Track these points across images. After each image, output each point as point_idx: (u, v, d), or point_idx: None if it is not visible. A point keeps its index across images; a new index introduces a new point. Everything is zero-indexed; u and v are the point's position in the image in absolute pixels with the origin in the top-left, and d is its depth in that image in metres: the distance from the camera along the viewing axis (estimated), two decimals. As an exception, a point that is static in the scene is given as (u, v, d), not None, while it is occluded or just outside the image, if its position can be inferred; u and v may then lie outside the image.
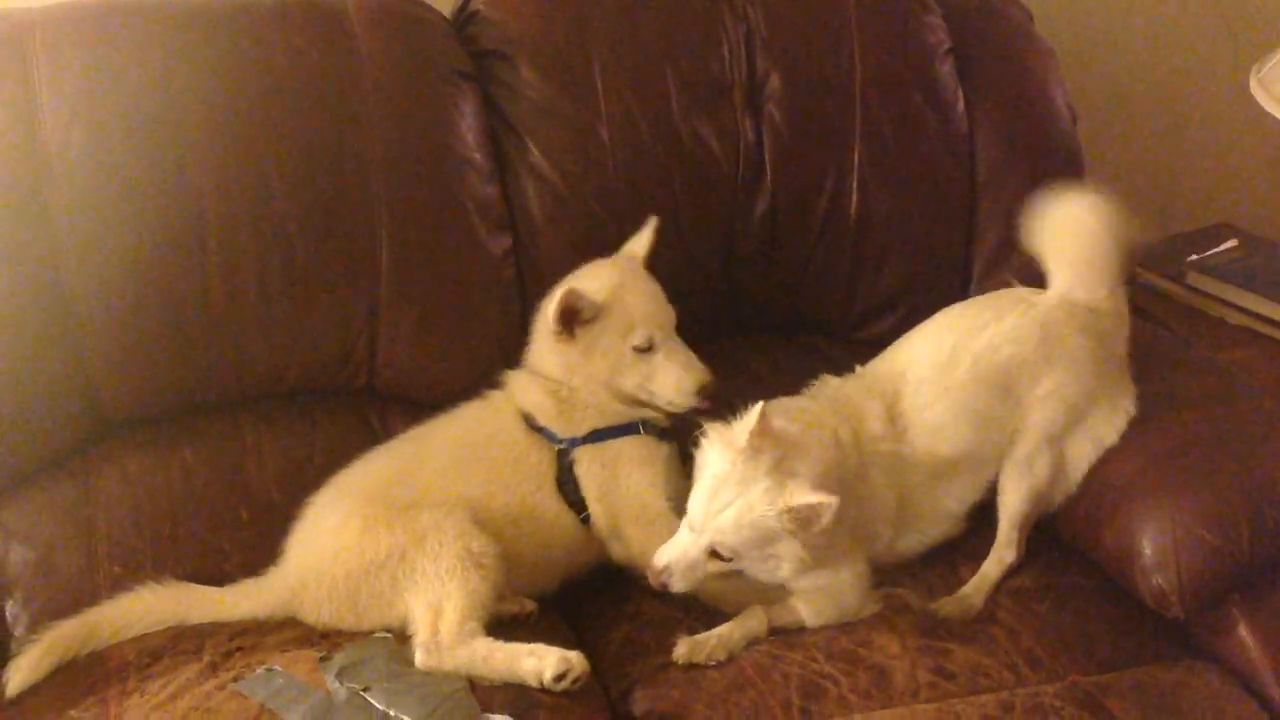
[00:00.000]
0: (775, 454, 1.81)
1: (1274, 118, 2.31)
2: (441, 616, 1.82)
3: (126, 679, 1.81)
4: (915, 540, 2.03)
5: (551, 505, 1.98)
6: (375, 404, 2.15)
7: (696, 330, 2.24)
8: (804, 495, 1.79)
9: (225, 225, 2.02)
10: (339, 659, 1.79)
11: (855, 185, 2.28)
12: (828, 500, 1.78)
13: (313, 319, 2.08)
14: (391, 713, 1.71)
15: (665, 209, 2.20)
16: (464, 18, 2.24)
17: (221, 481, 2.04)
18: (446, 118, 2.14)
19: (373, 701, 1.73)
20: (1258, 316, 2.47)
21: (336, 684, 1.75)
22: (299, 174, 2.04)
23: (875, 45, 2.26)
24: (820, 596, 1.94)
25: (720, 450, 1.82)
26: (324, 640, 1.84)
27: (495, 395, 2.06)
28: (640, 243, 2.07)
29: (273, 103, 2.04)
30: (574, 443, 1.99)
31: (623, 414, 2.01)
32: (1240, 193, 2.80)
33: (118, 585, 1.93)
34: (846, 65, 2.26)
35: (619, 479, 1.98)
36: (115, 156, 1.98)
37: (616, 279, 1.99)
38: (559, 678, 1.77)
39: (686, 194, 2.23)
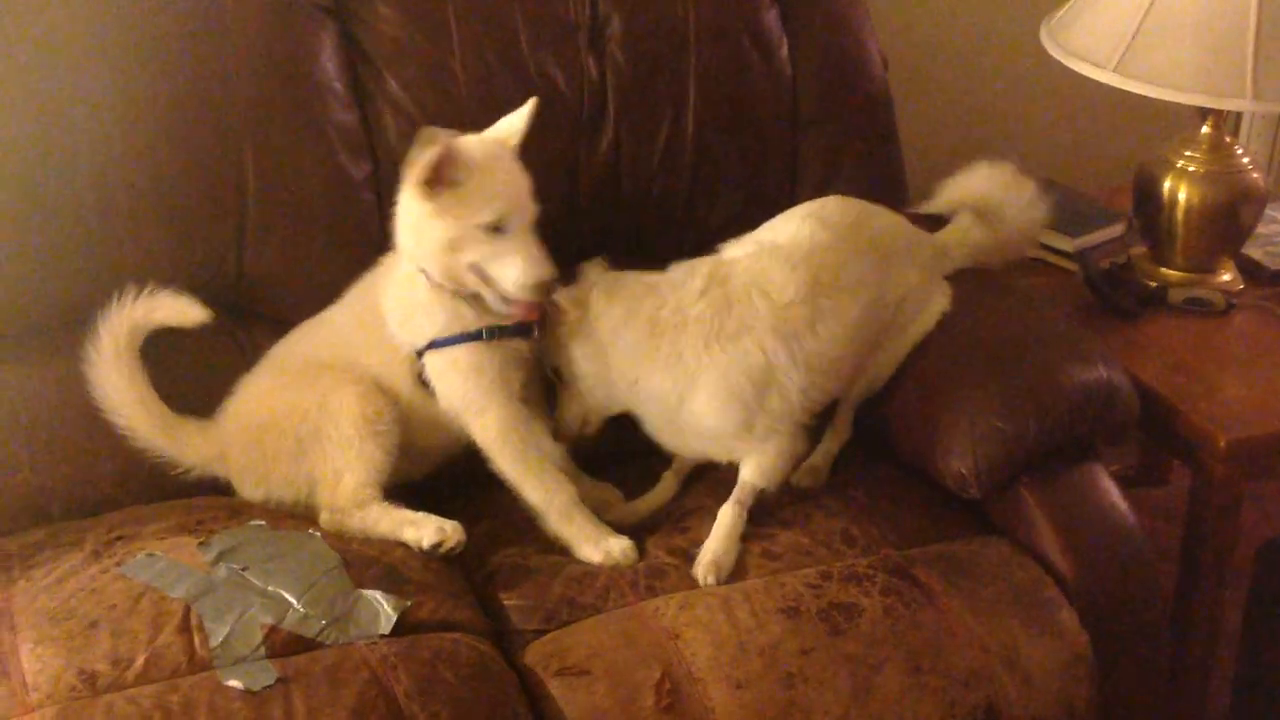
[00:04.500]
0: None
1: (1062, 68, 2.58)
2: (341, 482, 2.00)
3: (11, 568, 1.91)
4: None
5: (416, 397, 2.10)
6: (241, 320, 2.25)
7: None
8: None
9: (97, 144, 2.11)
10: (217, 544, 1.91)
11: (691, 123, 2.45)
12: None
13: (182, 237, 2.19)
14: (270, 588, 1.85)
15: (514, 142, 2.37)
16: (323, -45, 2.36)
17: (96, 392, 2.14)
18: (308, 48, 2.25)
19: (252, 579, 1.86)
20: (1050, 249, 2.74)
21: (216, 565, 1.88)
22: (168, 97, 2.15)
23: (707, -8, 2.45)
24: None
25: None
26: (200, 528, 1.96)
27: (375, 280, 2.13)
28: (514, 125, 2.07)
29: (144, 30, 2.14)
30: (418, 351, 2.08)
31: (466, 319, 2.05)
32: (1036, 140, 3.08)
33: (-5, 488, 2.03)
34: (681, 10, 2.43)
35: (454, 382, 2.06)
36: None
37: (491, 151, 2.03)
38: (435, 546, 1.97)
39: (534, 128, 2.33)
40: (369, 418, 2.02)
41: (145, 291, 2.06)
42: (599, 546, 2.05)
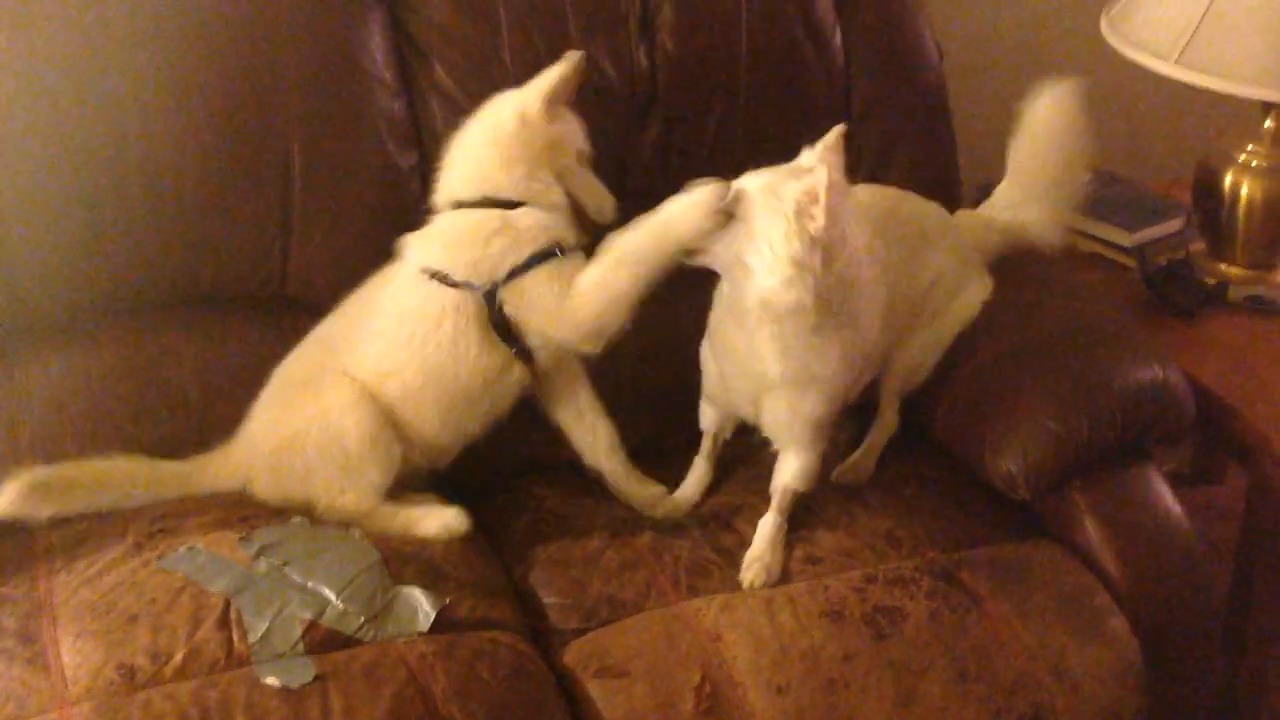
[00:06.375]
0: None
1: (1123, 58, 2.52)
2: (342, 498, 2.00)
3: (54, 559, 1.92)
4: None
5: (474, 354, 2.03)
6: (286, 310, 2.24)
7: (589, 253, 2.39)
8: (823, 182, 1.88)
9: (144, 131, 2.11)
10: (258, 539, 1.91)
11: (741, 112, 2.42)
12: (829, 200, 1.86)
13: (228, 226, 2.18)
14: (309, 584, 1.85)
15: (563, 131, 2.34)
16: (373, -59, 2.34)
17: (140, 379, 2.13)
18: (356, 37, 2.24)
19: (291, 575, 1.85)
20: (1105, 243, 2.69)
21: (257, 560, 1.87)
22: (216, 85, 2.14)
23: (760, -21, 2.41)
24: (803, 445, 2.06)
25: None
26: (242, 523, 1.96)
27: (398, 270, 2.08)
28: (552, 81, 2.09)
29: (192, 17, 2.13)
30: (495, 285, 2.01)
31: (539, 238, 2.03)
32: (1095, 131, 3.00)
33: (41, 475, 2.02)
34: (733, -1, 2.41)
35: (544, 297, 2.01)
36: (38, 63, 2.06)
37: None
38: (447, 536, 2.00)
39: (583, 117, 2.33)
40: (372, 438, 2.00)
41: None
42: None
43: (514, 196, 2.06)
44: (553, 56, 2.32)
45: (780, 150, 2.43)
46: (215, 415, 2.11)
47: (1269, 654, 2.38)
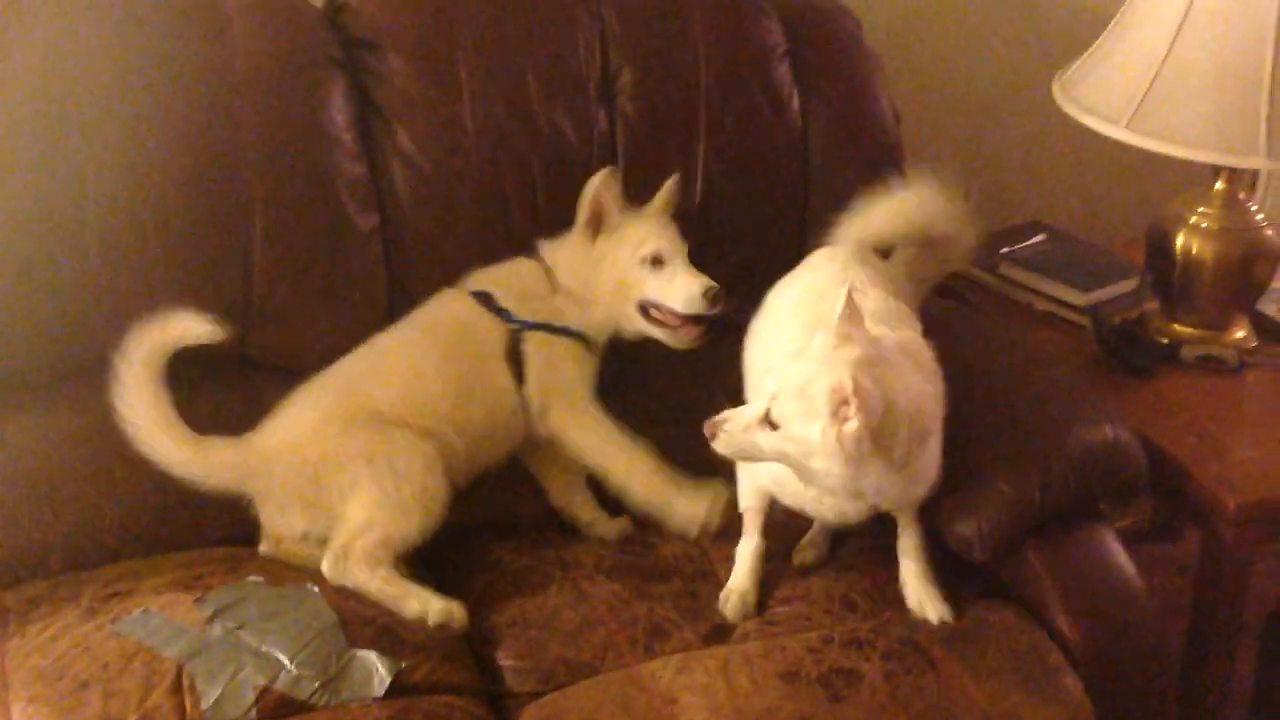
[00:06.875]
0: (865, 346, 1.84)
1: (1075, 122, 2.57)
2: (368, 533, 2.00)
3: (7, 624, 1.91)
4: None
5: (497, 373, 2.20)
6: (247, 370, 2.25)
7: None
8: (848, 375, 1.76)
9: (104, 196, 2.12)
10: (213, 601, 1.91)
11: (700, 175, 2.45)
12: (859, 396, 1.73)
13: (189, 288, 2.17)
14: (264, 648, 1.84)
15: (524, 193, 2.36)
16: (334, 8, 2.36)
17: (99, 442, 2.11)
18: (317, 101, 2.26)
19: (246, 638, 1.85)
20: (1060, 302, 2.72)
21: (211, 623, 1.87)
22: (176, 149, 2.16)
23: (718, 44, 2.44)
24: None
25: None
26: (198, 584, 1.96)
27: (447, 291, 2.28)
28: (658, 198, 2.31)
29: (153, 83, 2.16)
30: (526, 325, 2.22)
31: (566, 318, 2.26)
32: (1049, 192, 3.06)
33: (-3, 540, 2.02)
34: (691, 62, 2.43)
35: (556, 365, 2.22)
36: (-1, 126, 2.08)
37: (638, 205, 2.30)
38: (440, 626, 1.96)
39: (544, 180, 2.38)
40: (427, 490, 2.04)
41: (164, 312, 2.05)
42: (694, 498, 2.17)
43: (557, 275, 2.28)
44: (513, 120, 2.37)
45: (738, 210, 2.49)
46: (175, 478, 2.10)
47: (1223, 712, 2.40)
